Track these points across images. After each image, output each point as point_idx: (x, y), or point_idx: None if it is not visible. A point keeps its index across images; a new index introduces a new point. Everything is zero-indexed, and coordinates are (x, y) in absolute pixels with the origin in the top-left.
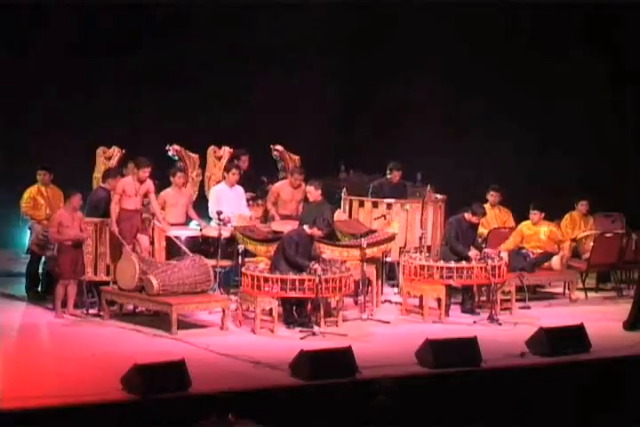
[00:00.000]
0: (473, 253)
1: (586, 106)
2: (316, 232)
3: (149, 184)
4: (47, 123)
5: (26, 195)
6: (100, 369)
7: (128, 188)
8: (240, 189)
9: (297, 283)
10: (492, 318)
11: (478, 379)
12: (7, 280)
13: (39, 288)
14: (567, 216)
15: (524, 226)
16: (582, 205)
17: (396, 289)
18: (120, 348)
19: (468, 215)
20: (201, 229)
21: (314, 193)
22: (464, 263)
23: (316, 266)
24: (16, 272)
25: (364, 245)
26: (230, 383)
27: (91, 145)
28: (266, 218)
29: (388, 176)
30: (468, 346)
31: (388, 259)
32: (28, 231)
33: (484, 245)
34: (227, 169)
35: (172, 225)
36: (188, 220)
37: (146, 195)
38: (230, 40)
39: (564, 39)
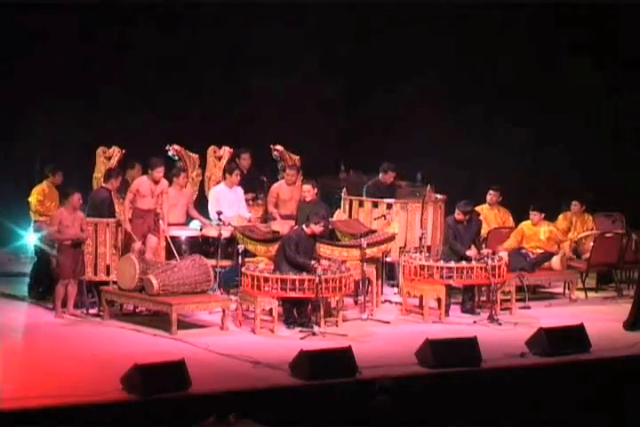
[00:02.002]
0: (471, 252)
1: (585, 106)
2: (316, 229)
3: (165, 184)
4: (47, 122)
5: (37, 195)
6: (100, 369)
7: (143, 188)
8: (240, 189)
9: (297, 283)
10: (491, 318)
11: (478, 379)
12: (7, 280)
13: (40, 288)
14: (560, 218)
15: (524, 226)
16: (575, 206)
17: (396, 289)
18: (120, 348)
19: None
20: (201, 229)
21: (312, 192)
22: (464, 263)
23: (317, 265)
24: (16, 272)
25: (364, 245)
26: (230, 383)
27: (91, 145)
28: (266, 218)
29: (380, 177)
30: (468, 346)
31: (388, 259)
32: (32, 232)
33: (483, 246)
34: (228, 170)
35: (172, 225)
36: (189, 220)
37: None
38: (230, 40)
39: (563, 39)
